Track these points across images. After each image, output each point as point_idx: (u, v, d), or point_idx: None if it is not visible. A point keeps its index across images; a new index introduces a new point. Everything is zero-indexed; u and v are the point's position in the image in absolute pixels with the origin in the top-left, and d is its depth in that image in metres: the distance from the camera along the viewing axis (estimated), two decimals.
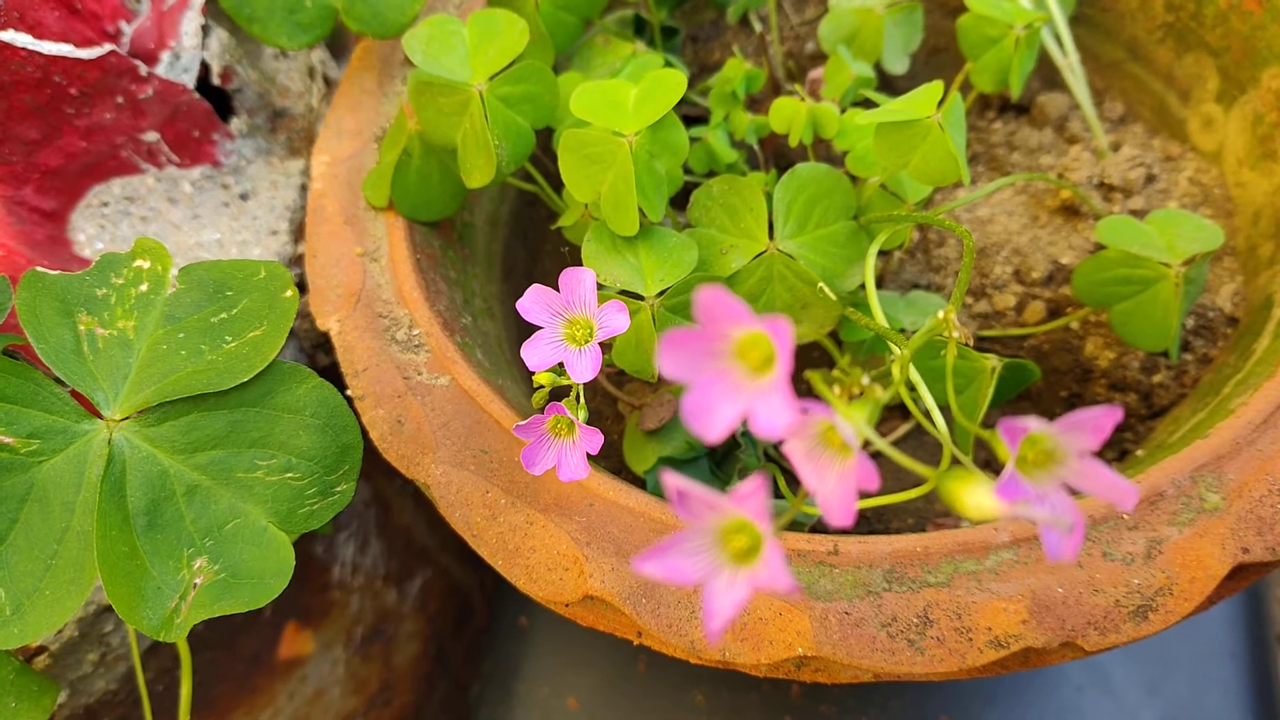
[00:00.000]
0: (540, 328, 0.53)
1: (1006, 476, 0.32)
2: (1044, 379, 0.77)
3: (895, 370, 0.40)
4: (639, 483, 0.73)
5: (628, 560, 0.58)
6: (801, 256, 0.65)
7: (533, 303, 0.52)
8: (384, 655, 1.03)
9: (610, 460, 0.78)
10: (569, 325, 0.53)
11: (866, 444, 0.35)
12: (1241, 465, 0.57)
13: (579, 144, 0.63)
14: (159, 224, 0.78)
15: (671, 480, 0.31)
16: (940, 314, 0.41)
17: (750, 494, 0.31)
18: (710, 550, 0.33)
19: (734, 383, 0.32)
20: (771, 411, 0.30)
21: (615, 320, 0.50)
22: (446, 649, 1.09)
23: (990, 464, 0.77)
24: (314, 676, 0.93)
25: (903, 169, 0.63)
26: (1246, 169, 0.77)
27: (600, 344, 0.52)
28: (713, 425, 0.31)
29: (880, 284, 0.80)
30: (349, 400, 0.64)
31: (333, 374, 0.68)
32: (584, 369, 0.50)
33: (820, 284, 0.64)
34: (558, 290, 0.52)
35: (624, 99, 0.63)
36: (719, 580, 0.32)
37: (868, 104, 0.82)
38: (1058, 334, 0.75)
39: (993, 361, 0.62)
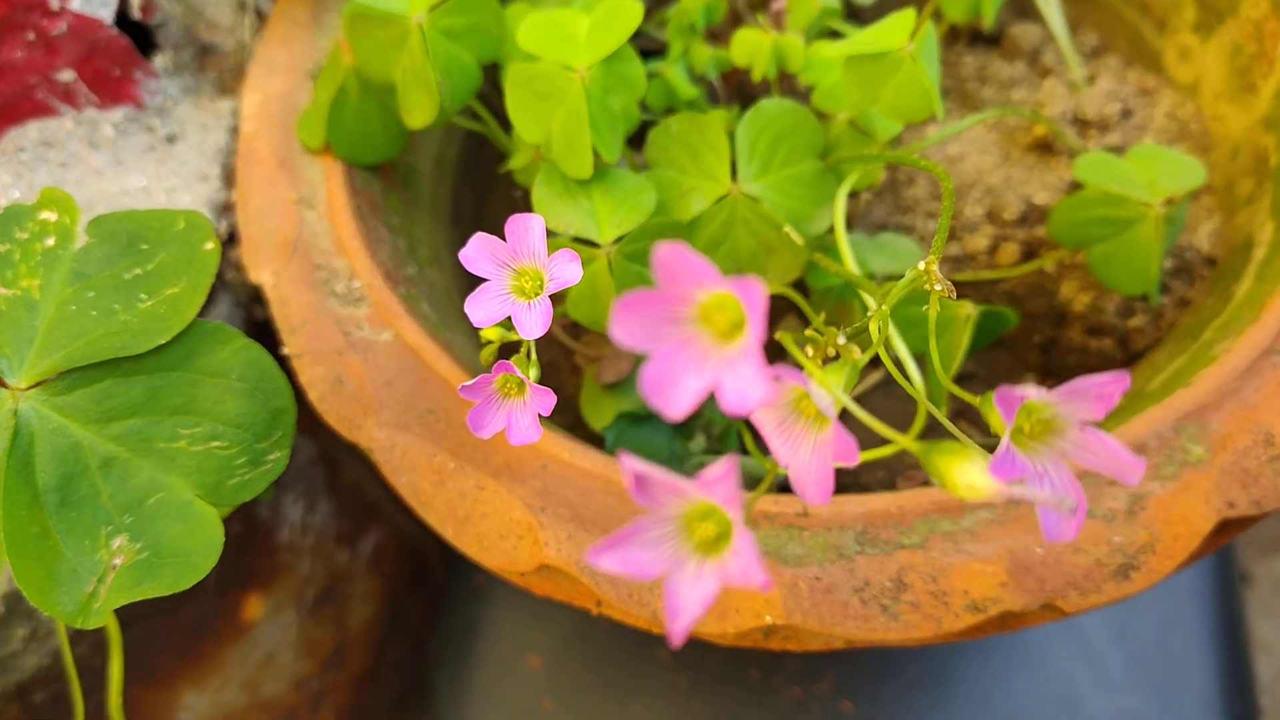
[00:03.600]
0: (486, 280, 0.49)
1: (1002, 452, 0.29)
2: (1019, 324, 0.74)
3: (873, 327, 0.36)
4: (597, 440, 0.70)
5: (585, 526, 0.54)
6: (766, 199, 0.61)
7: (477, 253, 0.48)
8: (337, 617, 1.00)
9: (567, 416, 0.75)
10: (517, 276, 0.49)
11: (843, 412, 0.32)
12: (1225, 415, 0.55)
13: (527, 79, 0.58)
14: (79, 170, 0.73)
15: (629, 463, 0.27)
16: (921, 265, 0.38)
17: (719, 479, 0.27)
18: (673, 539, 0.29)
19: (699, 351, 0.28)
20: (742, 384, 0.27)
21: (567, 271, 0.46)
22: (403, 609, 1.06)
23: (964, 413, 0.74)
24: (264, 641, 0.90)
25: (873, 105, 0.59)
26: (1224, 102, 0.74)
27: (552, 296, 0.48)
28: (676, 400, 0.27)
29: (849, 226, 0.76)
30: (284, 360, 0.59)
31: (270, 330, 0.63)
32: (534, 324, 0.46)
33: (786, 228, 0.60)
34: (504, 239, 0.48)
35: (576, 30, 0.59)
36: (684, 573, 0.29)
37: (835, 36, 0.78)
38: (1032, 277, 0.72)
39: (968, 309, 0.59)
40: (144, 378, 0.48)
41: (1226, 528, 0.53)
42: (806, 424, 0.31)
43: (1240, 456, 0.54)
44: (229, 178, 0.76)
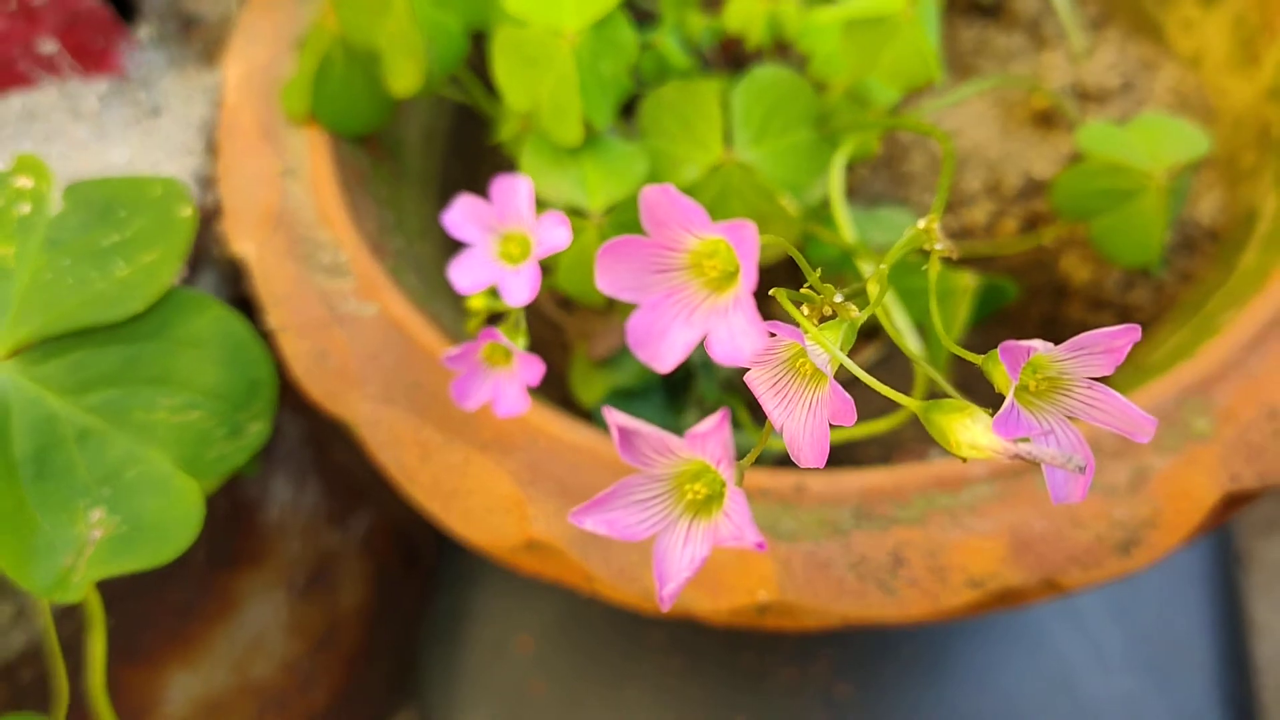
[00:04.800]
0: (470, 245, 0.47)
1: (1007, 409, 0.27)
2: (1019, 298, 0.73)
3: (871, 287, 0.35)
4: (587, 417, 0.68)
5: (574, 501, 0.53)
6: (761, 168, 0.60)
7: (462, 216, 0.47)
8: (328, 597, 0.99)
9: (556, 392, 0.73)
10: (504, 241, 0.47)
11: (840, 372, 0.31)
12: (1230, 388, 0.54)
13: (515, 44, 0.57)
14: (62, 142, 0.72)
15: (614, 418, 0.26)
16: (921, 223, 0.36)
17: (709, 433, 0.26)
18: (662, 500, 0.28)
19: (688, 301, 0.27)
20: (735, 333, 0.26)
21: (555, 234, 0.45)
22: (394, 590, 1.05)
23: (966, 388, 0.73)
24: (253, 622, 0.89)
25: (871, 71, 0.57)
26: (1227, 74, 0.72)
27: (541, 267, 0.47)
28: (664, 352, 0.26)
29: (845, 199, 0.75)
30: (265, 334, 0.58)
31: (255, 305, 0.62)
32: (520, 290, 0.45)
33: (782, 197, 0.59)
34: (489, 201, 0.47)
35: None
36: (673, 535, 0.28)
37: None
38: (1031, 252, 0.71)
39: (968, 279, 0.57)
40: (120, 347, 0.47)
41: (1231, 502, 0.52)
42: (802, 383, 0.30)
43: (1245, 430, 0.53)
44: (213, 150, 0.74)
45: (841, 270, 0.66)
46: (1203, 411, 0.53)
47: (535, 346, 0.72)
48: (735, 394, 0.72)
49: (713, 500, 0.28)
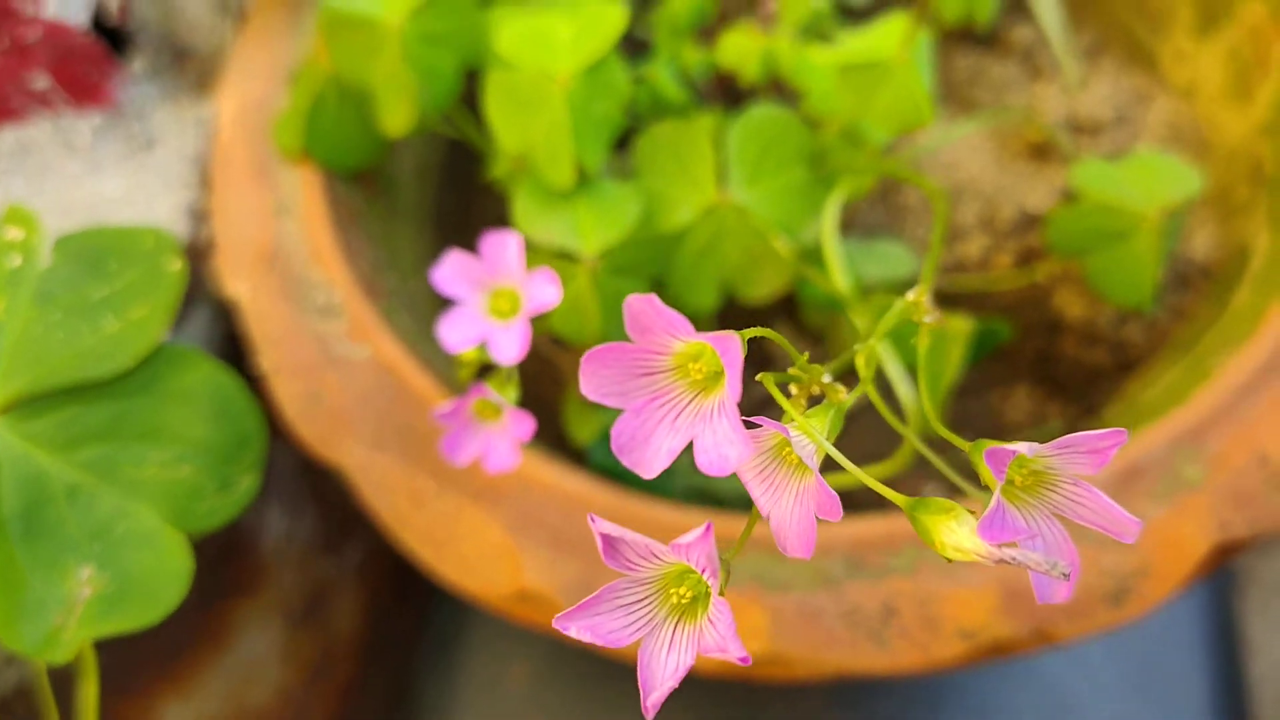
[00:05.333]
0: (459, 302, 0.47)
1: (992, 510, 0.27)
2: (1012, 333, 0.73)
3: (860, 363, 0.35)
4: (581, 454, 0.68)
5: (565, 551, 0.53)
6: (755, 209, 0.60)
7: (451, 272, 0.46)
8: (323, 626, 0.99)
9: (550, 429, 0.73)
10: (493, 297, 0.47)
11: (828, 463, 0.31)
12: (1221, 434, 0.54)
13: (508, 88, 0.57)
14: (56, 176, 0.72)
15: (600, 526, 0.26)
16: (910, 295, 0.36)
17: (694, 543, 0.26)
18: (647, 604, 0.28)
19: (673, 404, 0.27)
20: (720, 441, 0.25)
21: (544, 292, 0.45)
22: (390, 618, 1.05)
23: (958, 424, 0.73)
24: (248, 651, 0.89)
25: (865, 114, 0.57)
26: (1221, 107, 0.72)
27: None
28: (650, 459, 0.26)
29: (840, 232, 0.75)
30: (257, 376, 0.58)
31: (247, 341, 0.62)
32: (510, 347, 0.45)
33: (775, 240, 0.59)
34: (479, 257, 0.46)
35: (557, 38, 0.57)
36: (657, 641, 0.28)
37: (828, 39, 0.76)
38: (1026, 287, 0.71)
39: (961, 324, 0.57)
40: (110, 403, 0.47)
41: (1221, 551, 0.52)
42: (789, 471, 0.30)
43: (1236, 477, 0.53)
44: (207, 183, 0.74)
45: (835, 307, 0.66)
46: (1194, 458, 0.53)
47: (528, 381, 0.72)
48: None
49: (698, 602, 0.28)
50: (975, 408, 0.74)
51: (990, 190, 0.73)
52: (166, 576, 0.46)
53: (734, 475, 0.62)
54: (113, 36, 0.73)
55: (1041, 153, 0.75)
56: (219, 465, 0.48)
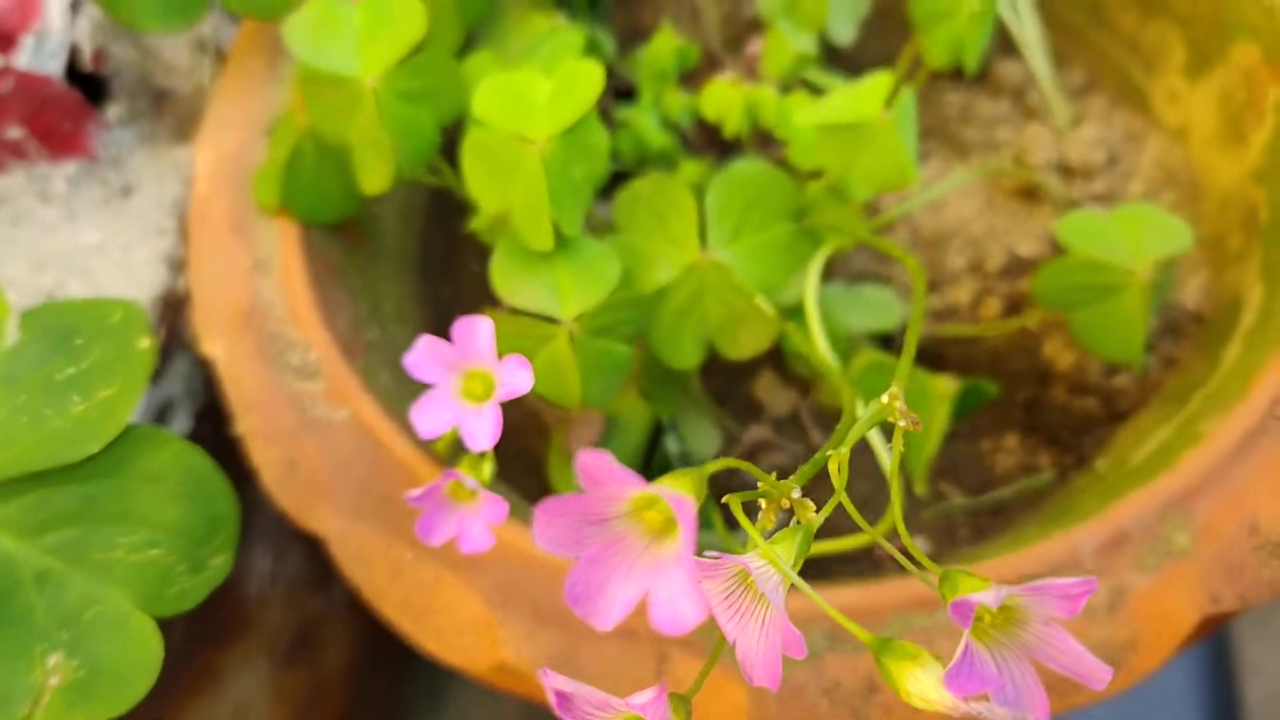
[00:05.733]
0: (432, 386, 0.46)
1: (959, 661, 0.27)
2: (1001, 381, 0.72)
3: (833, 469, 0.34)
4: None
5: (545, 623, 0.52)
6: (737, 267, 0.59)
7: (423, 356, 0.46)
8: (312, 662, 0.98)
9: (533, 480, 0.73)
10: (466, 379, 0.46)
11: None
12: (1211, 500, 0.53)
13: (483, 148, 0.56)
14: (31, 226, 0.71)
15: (550, 681, 0.25)
16: (884, 398, 0.35)
17: (650, 704, 0.25)
18: None
19: (628, 552, 0.26)
20: (675, 594, 0.25)
21: (517, 378, 0.44)
22: (380, 646, 1.04)
23: (945, 472, 0.72)
24: (235, 694, 0.88)
25: (847, 173, 0.56)
26: (1214, 151, 0.71)
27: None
28: (604, 609, 0.25)
29: (826, 277, 0.74)
30: (236, 440, 0.57)
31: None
32: (483, 434, 0.44)
33: (757, 299, 0.58)
34: (450, 342, 0.46)
35: (534, 97, 0.56)
36: None
37: (814, 87, 0.76)
38: (1015, 334, 0.70)
39: (946, 385, 0.57)
40: (78, 486, 0.46)
41: (1212, 622, 0.51)
42: (755, 597, 0.29)
43: (1226, 547, 0.52)
44: (187, 230, 0.73)
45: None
46: (1183, 526, 0.52)
47: (512, 432, 0.71)
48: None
49: None
50: (963, 453, 0.73)
51: (979, 233, 0.72)
52: (136, 663, 0.45)
53: (714, 532, 0.61)
54: (88, 82, 0.72)
55: (1032, 193, 0.74)
56: (190, 547, 0.48)
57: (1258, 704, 1.25)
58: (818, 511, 0.31)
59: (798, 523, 0.31)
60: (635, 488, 0.25)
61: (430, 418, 0.45)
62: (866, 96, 0.55)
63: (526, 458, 0.74)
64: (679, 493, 0.24)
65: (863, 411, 0.55)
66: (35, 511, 0.46)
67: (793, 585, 0.30)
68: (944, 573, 0.30)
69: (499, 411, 0.44)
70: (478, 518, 0.46)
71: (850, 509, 0.34)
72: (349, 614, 1.02)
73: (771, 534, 0.34)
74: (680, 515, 0.24)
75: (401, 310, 0.73)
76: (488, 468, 0.48)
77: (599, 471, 0.25)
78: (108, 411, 0.46)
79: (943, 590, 0.30)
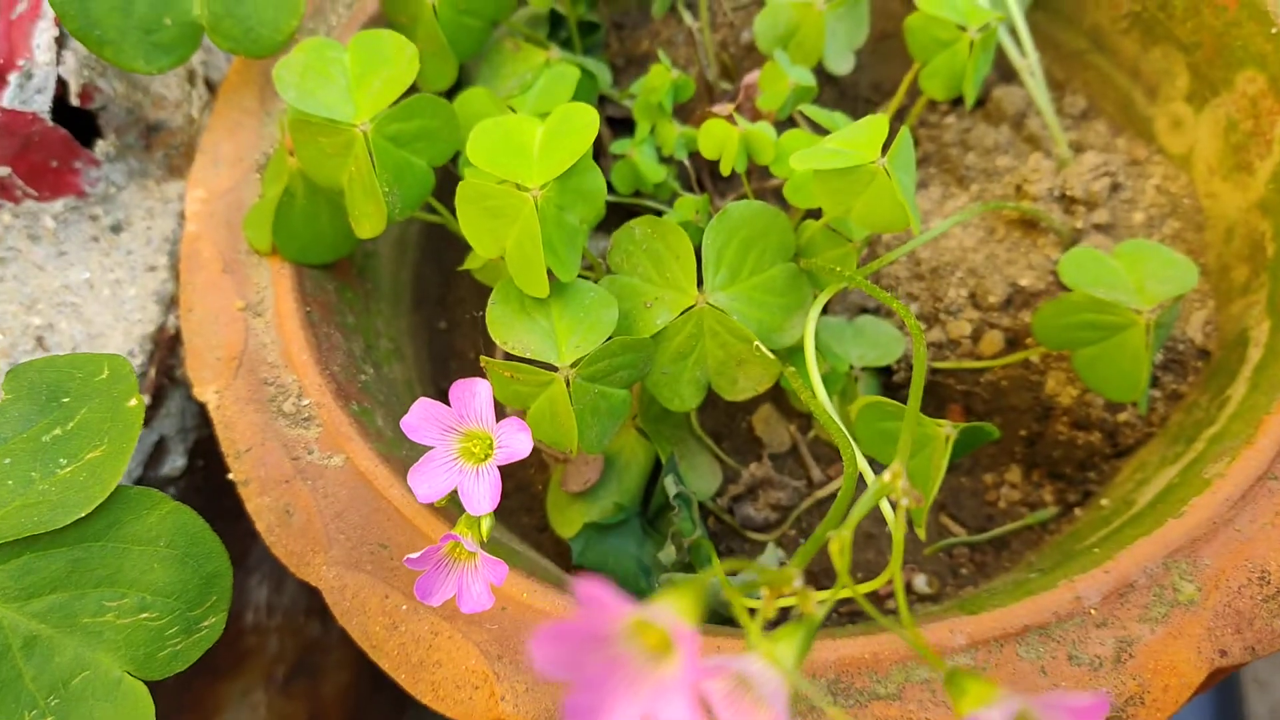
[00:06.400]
0: (430, 448, 0.45)
1: None
2: (1002, 416, 0.71)
3: (835, 551, 0.33)
4: (565, 549, 0.67)
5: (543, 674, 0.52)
6: (734, 310, 0.58)
7: (420, 419, 0.45)
8: (310, 689, 0.97)
9: (531, 519, 0.72)
10: (464, 439, 0.46)
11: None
12: (1218, 549, 0.52)
13: (478, 195, 0.55)
14: (20, 264, 0.70)
15: None
16: (886, 475, 0.35)
17: None
18: None
19: (629, 673, 0.25)
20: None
21: (516, 442, 0.43)
22: (379, 674, 1.03)
23: (945, 506, 0.71)
24: None
25: (845, 215, 0.56)
26: (1218, 179, 0.70)
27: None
28: None
29: (825, 309, 0.73)
30: (212, 494, 0.56)
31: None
32: (482, 498, 0.43)
33: (755, 343, 0.57)
34: (448, 403, 0.45)
35: (528, 142, 0.55)
36: None
37: (812, 125, 0.75)
38: (1016, 369, 0.69)
39: (947, 429, 0.56)
40: (65, 550, 0.45)
41: (1220, 673, 0.51)
42: (757, 698, 0.28)
43: (1233, 596, 0.51)
44: (178, 267, 0.72)
45: (828, 388, 0.64)
46: (1190, 575, 0.52)
47: (514, 466, 0.70)
48: (715, 526, 0.70)
49: None
50: (966, 487, 0.73)
51: (980, 263, 0.71)
52: None
53: (714, 575, 0.60)
54: (76, 117, 0.71)
55: (1033, 222, 0.73)
56: (183, 609, 0.47)
57: (1263, 718, 1.24)
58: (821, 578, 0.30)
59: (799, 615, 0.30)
60: (634, 613, 0.24)
61: (428, 482, 0.44)
62: (863, 140, 0.54)
63: (525, 494, 0.73)
64: (678, 619, 0.23)
65: (862, 462, 0.54)
66: (22, 576, 0.45)
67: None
68: (949, 673, 0.30)
69: (498, 475, 0.44)
70: (477, 577, 0.46)
71: (860, 599, 0.33)
72: (347, 641, 1.01)
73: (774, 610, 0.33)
74: (679, 643, 0.23)
75: (397, 346, 0.73)
76: (486, 525, 0.48)
77: (595, 599, 0.24)
78: (95, 474, 0.45)
79: (949, 691, 0.29)
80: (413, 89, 0.58)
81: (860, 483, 0.54)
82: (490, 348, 0.77)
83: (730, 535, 0.70)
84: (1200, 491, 0.54)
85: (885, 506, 0.52)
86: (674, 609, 0.23)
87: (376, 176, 0.56)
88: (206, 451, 0.76)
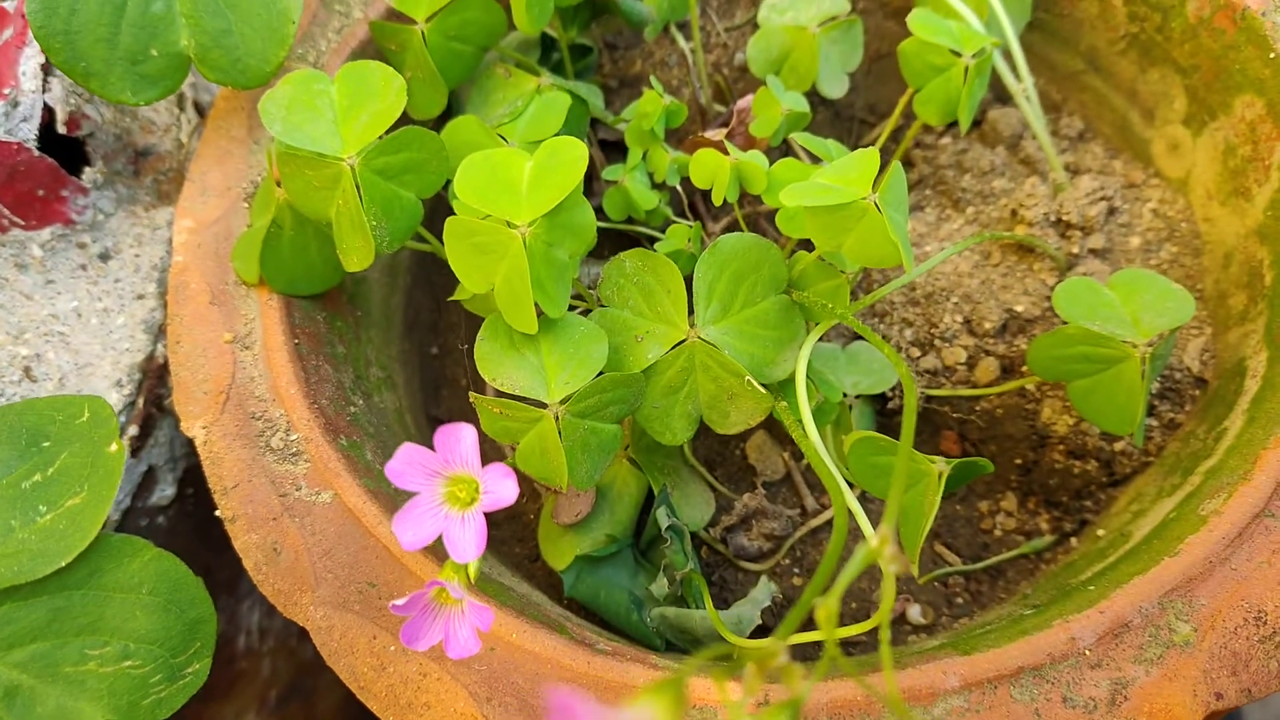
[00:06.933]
0: (415, 494, 0.45)
1: None
2: (997, 445, 0.71)
3: (822, 619, 0.33)
4: (556, 580, 0.66)
5: (534, 718, 0.51)
6: (726, 344, 0.57)
7: (405, 464, 0.44)
8: (304, 710, 0.97)
9: (526, 546, 0.71)
10: (450, 484, 0.45)
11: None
12: (1214, 589, 0.52)
13: (466, 232, 0.54)
14: (7, 293, 0.69)
15: None
16: (874, 541, 0.34)
17: None
18: None
19: None
20: None
21: (501, 489, 0.43)
22: None
23: (940, 534, 0.71)
24: None
25: (837, 249, 0.55)
26: (1216, 204, 0.70)
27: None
28: None
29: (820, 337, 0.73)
30: (202, 522, 0.56)
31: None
32: (467, 545, 0.43)
33: (747, 378, 0.57)
34: (433, 450, 0.44)
35: (516, 177, 0.55)
36: None
37: (806, 150, 0.74)
38: (1012, 397, 0.68)
39: (940, 465, 0.55)
40: (46, 598, 0.45)
41: (1216, 715, 0.50)
42: None
43: (1229, 638, 0.50)
44: (167, 294, 0.72)
45: (820, 421, 0.63)
46: (1186, 615, 0.51)
47: None
48: (708, 555, 0.70)
49: None
50: (960, 515, 0.72)
51: (975, 289, 0.71)
52: None
53: (706, 610, 0.60)
54: (64, 145, 0.70)
55: (1028, 249, 0.72)
56: (166, 656, 0.46)
57: None
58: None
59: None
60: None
61: (413, 529, 0.44)
62: (854, 176, 0.53)
63: (517, 523, 0.73)
64: None
65: (853, 502, 0.54)
66: (2, 627, 0.44)
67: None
68: None
69: (484, 522, 0.43)
70: (464, 623, 0.45)
71: (843, 662, 0.33)
72: None
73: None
74: None
75: (388, 374, 0.72)
76: (473, 569, 0.47)
77: (567, 709, 0.23)
78: (76, 522, 0.45)
79: None
80: (402, 118, 0.58)
81: (850, 520, 0.54)
82: (480, 380, 0.76)
83: (723, 565, 0.69)
84: (1196, 529, 0.53)
85: (868, 530, 0.51)
86: (651, 713, 0.22)
87: (364, 210, 0.56)
88: (196, 480, 0.75)
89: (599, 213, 0.67)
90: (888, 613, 0.33)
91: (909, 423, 0.43)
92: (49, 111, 0.69)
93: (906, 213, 0.55)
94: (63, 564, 0.44)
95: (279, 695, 0.93)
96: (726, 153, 0.63)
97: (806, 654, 0.63)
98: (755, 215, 0.76)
